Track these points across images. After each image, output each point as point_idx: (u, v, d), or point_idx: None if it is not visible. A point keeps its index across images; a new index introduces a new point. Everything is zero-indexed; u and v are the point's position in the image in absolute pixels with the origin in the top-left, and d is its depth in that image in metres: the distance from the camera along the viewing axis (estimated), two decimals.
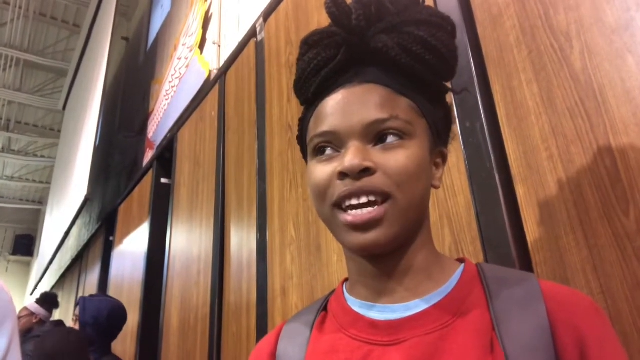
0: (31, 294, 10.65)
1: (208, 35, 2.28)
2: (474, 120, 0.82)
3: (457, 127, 0.84)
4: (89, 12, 7.29)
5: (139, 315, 2.57)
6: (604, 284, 0.61)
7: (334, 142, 0.45)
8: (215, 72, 2.10)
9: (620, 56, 0.64)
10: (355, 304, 0.48)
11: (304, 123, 0.52)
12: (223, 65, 2.03)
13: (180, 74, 2.64)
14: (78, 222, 5.71)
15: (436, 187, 0.49)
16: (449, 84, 0.51)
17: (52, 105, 10.10)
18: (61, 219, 7.05)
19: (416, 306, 0.45)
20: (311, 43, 0.49)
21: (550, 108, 0.71)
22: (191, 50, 2.51)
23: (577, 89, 0.68)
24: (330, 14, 0.47)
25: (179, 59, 2.74)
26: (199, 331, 1.79)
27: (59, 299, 3.51)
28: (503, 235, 0.73)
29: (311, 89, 0.48)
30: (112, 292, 3.40)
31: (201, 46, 2.35)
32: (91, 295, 2.05)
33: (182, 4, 2.95)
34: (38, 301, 3.24)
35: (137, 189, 3.21)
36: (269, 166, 1.47)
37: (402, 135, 0.44)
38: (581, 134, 0.67)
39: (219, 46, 2.14)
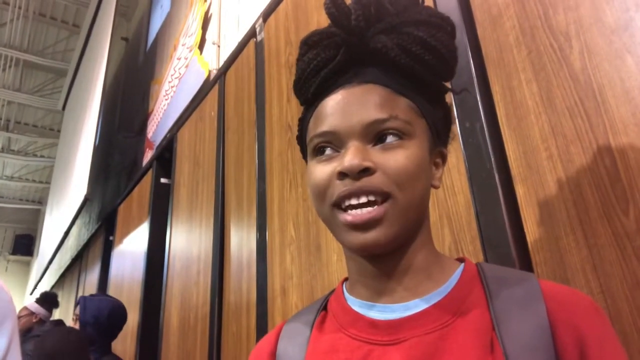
0: (31, 294, 10.66)
1: (208, 36, 2.28)
2: (473, 121, 0.82)
3: (456, 127, 0.84)
4: (88, 12, 7.30)
5: (139, 315, 2.57)
6: (603, 283, 0.61)
7: (334, 142, 0.45)
8: (214, 72, 2.10)
9: (620, 56, 0.64)
10: (355, 304, 0.48)
11: (303, 123, 0.52)
12: (223, 66, 2.03)
13: (180, 74, 2.64)
14: (78, 221, 5.71)
15: (436, 187, 0.49)
16: (448, 84, 0.51)
17: (51, 106, 10.11)
18: (61, 218, 7.06)
19: (416, 306, 0.45)
20: (311, 43, 0.49)
21: (550, 108, 0.71)
22: (191, 51, 2.51)
23: (577, 88, 0.68)
24: (330, 14, 0.47)
25: (179, 59, 2.74)
26: (198, 331, 1.79)
27: (59, 299, 3.52)
28: (503, 235, 0.73)
29: (311, 89, 0.48)
30: (112, 291, 3.40)
31: (201, 46, 2.35)
32: (91, 295, 2.05)
33: (182, 4, 2.95)
34: (38, 301, 3.24)
35: (136, 189, 3.21)
36: (269, 166, 1.47)
37: (401, 135, 0.44)
38: (581, 133, 0.67)
39: (219, 46, 2.14)
